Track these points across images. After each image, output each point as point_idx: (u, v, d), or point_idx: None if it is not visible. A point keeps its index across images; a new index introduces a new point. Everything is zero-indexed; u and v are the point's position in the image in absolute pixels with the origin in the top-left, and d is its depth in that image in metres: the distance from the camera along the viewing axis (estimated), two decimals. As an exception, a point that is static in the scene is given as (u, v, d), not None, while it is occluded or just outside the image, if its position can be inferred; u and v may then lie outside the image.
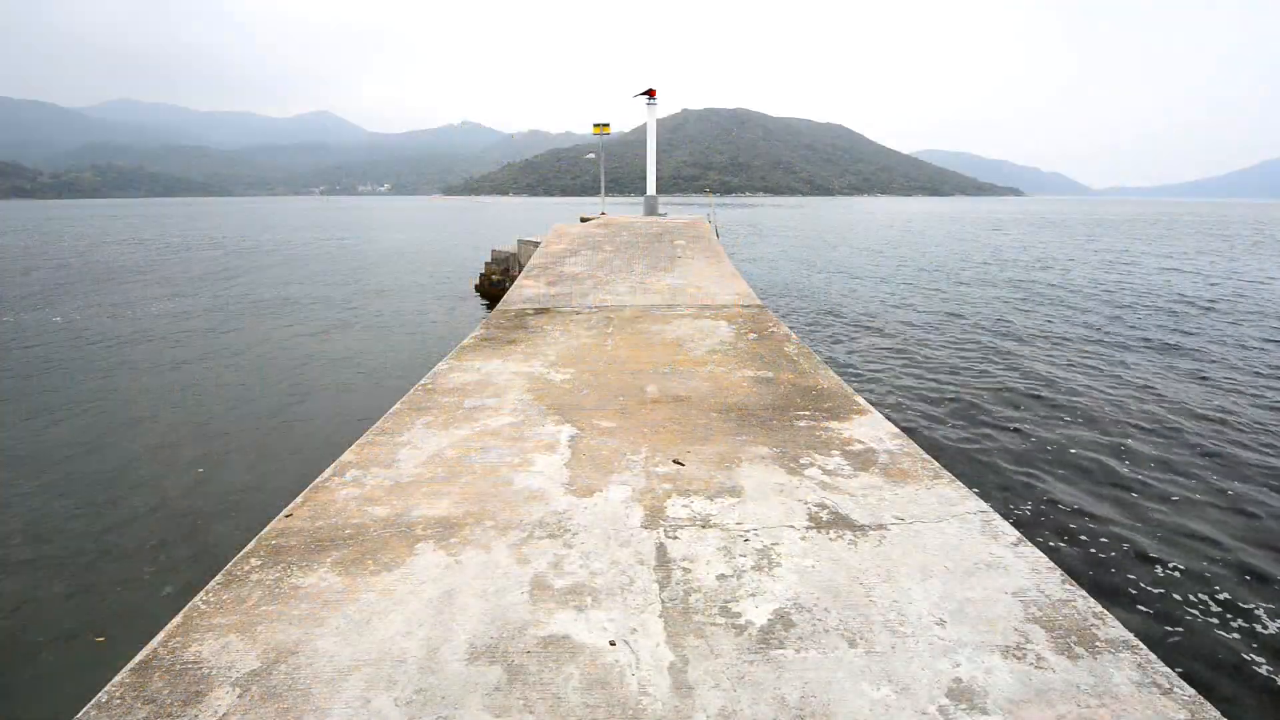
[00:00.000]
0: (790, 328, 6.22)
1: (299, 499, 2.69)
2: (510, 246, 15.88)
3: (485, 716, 1.56)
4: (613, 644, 1.81)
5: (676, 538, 2.37)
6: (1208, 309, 13.88)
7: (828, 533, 2.41)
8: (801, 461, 3.06)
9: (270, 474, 5.90)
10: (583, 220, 14.64)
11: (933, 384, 8.45)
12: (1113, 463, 5.94)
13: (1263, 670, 3.40)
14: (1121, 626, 1.87)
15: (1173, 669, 1.71)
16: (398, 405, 3.89)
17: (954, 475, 2.91)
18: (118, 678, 1.69)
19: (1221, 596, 4.01)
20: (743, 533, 2.41)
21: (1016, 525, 4.15)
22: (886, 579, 2.11)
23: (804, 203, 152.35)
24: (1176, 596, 4.01)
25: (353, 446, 3.25)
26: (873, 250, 28.66)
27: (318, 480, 2.86)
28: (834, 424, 3.56)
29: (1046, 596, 2.02)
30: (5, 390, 8.45)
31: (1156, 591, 4.07)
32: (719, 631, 1.86)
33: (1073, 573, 3.99)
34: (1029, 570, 2.16)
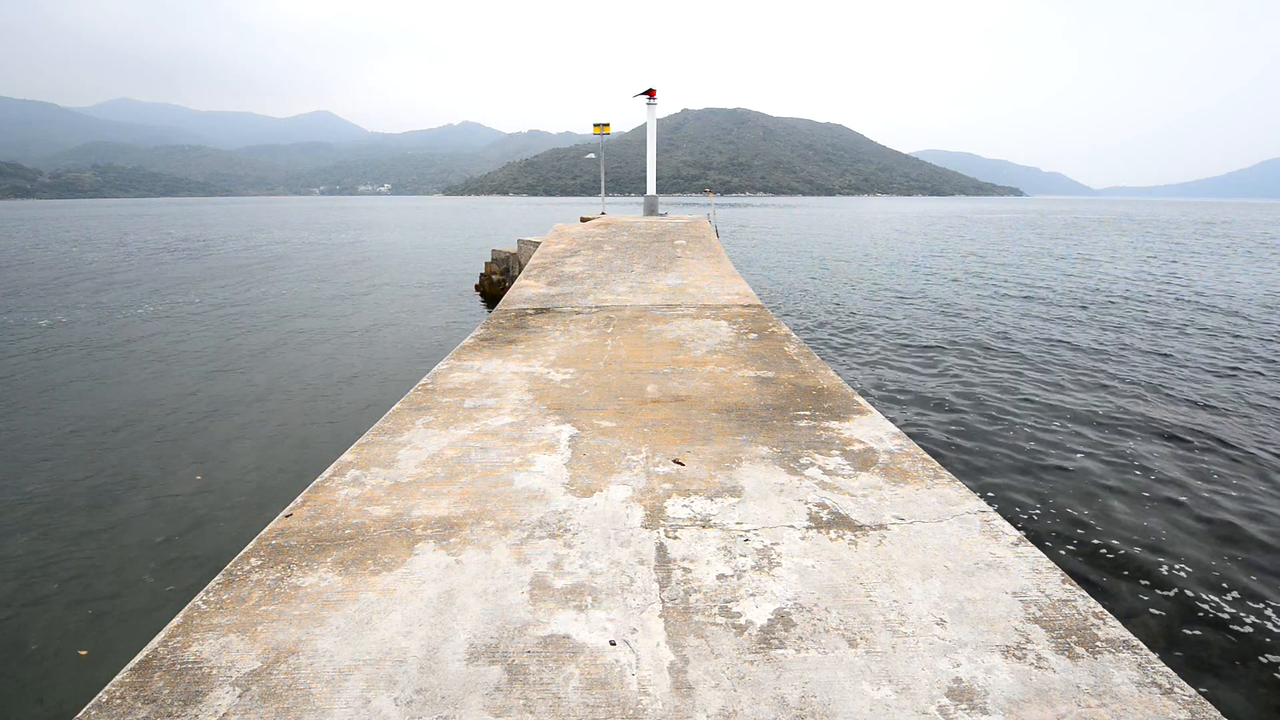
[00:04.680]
0: (790, 327, 6.23)
1: (299, 499, 2.69)
2: (510, 246, 15.88)
3: (485, 716, 1.56)
4: (613, 644, 1.81)
5: (677, 538, 2.37)
6: (1217, 312, 13.88)
7: (828, 533, 2.41)
8: (802, 461, 3.06)
9: (270, 474, 5.90)
10: (583, 220, 14.64)
11: (933, 383, 8.45)
12: (1114, 462, 5.95)
13: (1264, 670, 3.40)
14: (1122, 626, 1.87)
15: (1173, 669, 1.71)
16: (398, 405, 3.89)
17: (954, 475, 2.91)
18: (118, 677, 1.69)
19: (1223, 596, 4.01)
20: (743, 533, 2.41)
21: (1016, 525, 4.15)
22: (887, 579, 2.11)
23: (804, 203, 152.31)
24: (1177, 596, 4.01)
25: (353, 446, 3.25)
26: (873, 250, 28.66)
27: (318, 480, 2.86)
28: (834, 424, 3.56)
29: (1046, 596, 2.02)
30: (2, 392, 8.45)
31: (1157, 591, 4.07)
32: (719, 631, 1.86)
33: (1073, 573, 4.00)
34: (1029, 570, 2.16)
